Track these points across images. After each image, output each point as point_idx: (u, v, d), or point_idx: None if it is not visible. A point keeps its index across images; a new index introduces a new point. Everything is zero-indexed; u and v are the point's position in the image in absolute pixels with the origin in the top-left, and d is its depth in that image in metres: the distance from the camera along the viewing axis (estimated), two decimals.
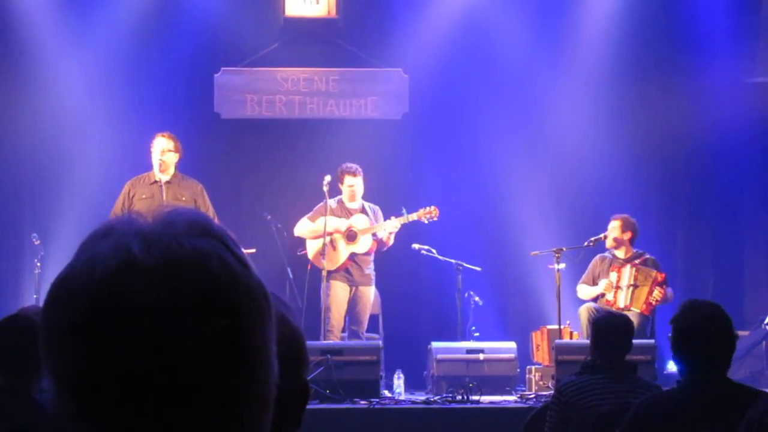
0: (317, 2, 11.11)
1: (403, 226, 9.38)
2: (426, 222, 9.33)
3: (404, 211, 9.22)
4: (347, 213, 9.31)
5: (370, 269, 9.34)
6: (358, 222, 9.23)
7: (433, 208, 9.28)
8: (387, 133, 11.06)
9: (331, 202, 9.27)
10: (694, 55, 11.22)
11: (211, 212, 8.66)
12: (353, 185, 9.29)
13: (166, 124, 10.01)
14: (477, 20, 11.16)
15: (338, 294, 9.19)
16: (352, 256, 9.22)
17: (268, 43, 11.26)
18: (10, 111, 10.83)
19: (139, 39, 10.90)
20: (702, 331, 3.87)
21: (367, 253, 9.24)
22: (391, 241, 9.24)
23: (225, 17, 11.01)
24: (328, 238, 9.15)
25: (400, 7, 11.31)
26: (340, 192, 9.41)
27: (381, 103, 11.28)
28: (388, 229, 9.16)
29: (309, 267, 9.42)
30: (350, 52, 11.28)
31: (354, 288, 9.27)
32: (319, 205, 9.38)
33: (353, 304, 9.28)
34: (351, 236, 9.19)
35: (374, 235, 9.22)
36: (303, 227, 9.37)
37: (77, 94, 10.73)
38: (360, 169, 9.36)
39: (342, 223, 9.24)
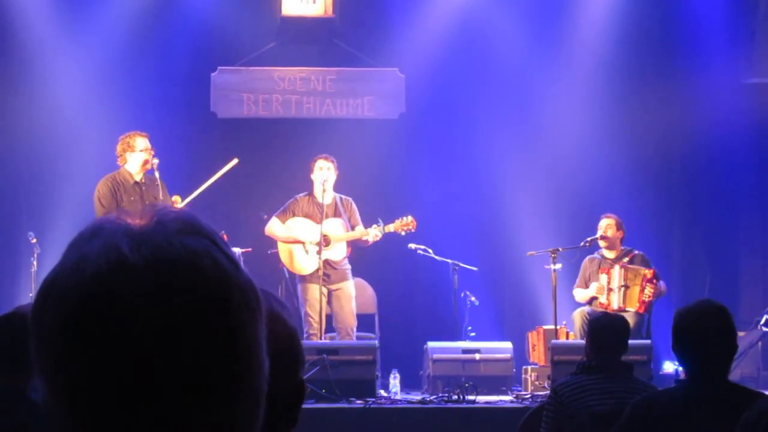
0: (314, 2, 11.11)
1: None
2: (403, 234, 9.14)
3: (380, 222, 9.08)
4: (319, 208, 9.11)
5: (344, 264, 9.16)
6: (333, 228, 9.11)
7: (410, 219, 9.06)
8: (383, 132, 11.06)
9: (302, 198, 9.19)
10: (691, 56, 11.23)
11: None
12: (329, 167, 9.04)
13: (162, 123, 10.02)
14: (474, 20, 11.16)
15: (315, 297, 9.01)
16: (327, 261, 9.11)
17: (264, 43, 11.26)
18: (6, 110, 10.82)
19: (136, 38, 10.89)
20: (703, 329, 3.86)
21: (343, 259, 9.11)
22: (371, 240, 9.11)
23: (222, 16, 11.01)
24: (310, 244, 9.07)
25: (396, 6, 11.31)
26: (311, 185, 9.23)
27: (378, 102, 11.28)
28: (369, 238, 9.02)
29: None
30: (347, 52, 11.28)
31: (331, 288, 9.11)
32: (289, 202, 9.25)
33: (334, 304, 9.14)
34: (325, 242, 9.06)
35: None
36: (274, 230, 9.22)
37: (74, 93, 10.72)
38: (333, 159, 9.15)
39: (315, 229, 9.04)
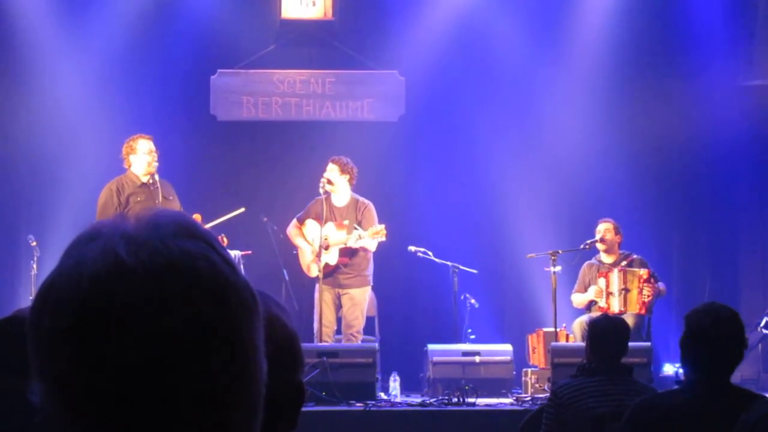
0: (313, 4, 11.11)
1: (399, 228, 9.35)
2: (376, 241, 8.92)
3: (359, 229, 9.00)
4: (329, 212, 9.10)
5: (361, 271, 9.11)
6: (329, 233, 9.04)
7: (381, 227, 8.86)
8: (383, 135, 11.06)
9: (317, 200, 9.14)
10: (691, 58, 11.23)
11: (180, 208, 8.57)
12: (332, 169, 9.05)
13: (162, 125, 10.01)
14: (473, 23, 11.16)
15: (324, 299, 9.01)
16: (340, 264, 9.05)
17: (264, 45, 11.26)
18: (6, 112, 10.83)
19: (136, 41, 10.89)
20: (716, 332, 3.86)
21: (339, 263, 9.05)
22: (370, 248, 8.99)
23: (221, 19, 11.01)
24: (315, 245, 9.06)
25: (396, 9, 11.31)
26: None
27: (377, 105, 11.28)
28: (351, 244, 8.93)
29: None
30: (346, 54, 11.28)
31: (341, 291, 9.10)
32: (309, 205, 9.28)
33: (341, 307, 9.12)
34: (325, 246, 9.03)
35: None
36: (288, 231, 9.31)
37: (74, 96, 10.72)
38: (344, 163, 9.08)
39: (318, 232, 9.01)
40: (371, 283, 9.24)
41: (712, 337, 3.86)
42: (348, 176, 9.09)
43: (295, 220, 9.30)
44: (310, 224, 9.18)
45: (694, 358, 3.93)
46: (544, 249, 9.64)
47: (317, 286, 9.10)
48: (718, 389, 3.88)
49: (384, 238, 8.85)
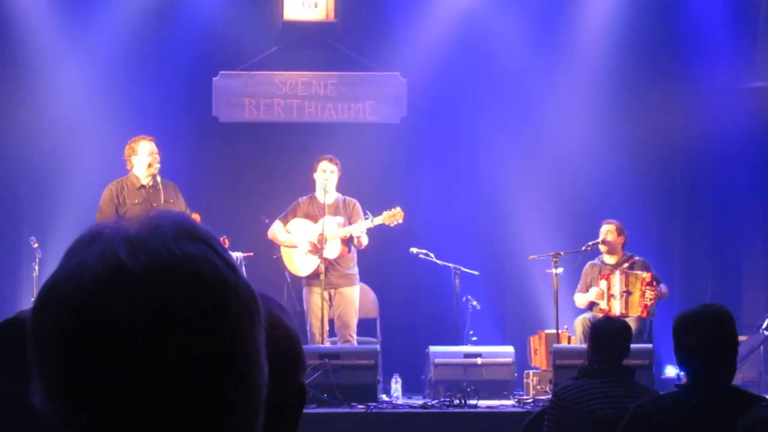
0: (316, 6, 11.12)
1: (401, 230, 9.35)
2: (392, 225, 8.95)
3: (369, 214, 9.01)
4: (320, 211, 9.08)
5: (350, 269, 9.10)
6: (328, 227, 9.05)
7: (397, 210, 8.91)
8: (385, 137, 11.06)
9: (303, 200, 9.17)
10: (693, 60, 11.23)
11: (185, 209, 8.58)
12: (333, 171, 9.03)
13: (164, 127, 10.01)
14: (475, 24, 11.16)
15: (315, 300, 8.96)
16: (328, 263, 9.03)
17: (266, 47, 11.26)
18: (8, 114, 10.83)
19: (138, 43, 10.90)
20: (701, 334, 3.85)
21: (339, 258, 9.06)
22: (365, 242, 8.97)
23: (224, 21, 11.01)
24: (306, 244, 9.05)
25: (398, 11, 11.31)
26: (313, 185, 9.20)
27: (379, 106, 11.27)
28: (355, 232, 8.93)
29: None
30: (348, 56, 11.28)
31: (333, 291, 9.06)
32: (291, 205, 9.24)
33: (334, 308, 9.08)
34: (321, 241, 9.01)
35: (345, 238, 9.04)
36: (274, 233, 9.21)
37: (76, 98, 10.73)
38: (338, 162, 9.09)
39: (313, 228, 9.02)
40: (359, 282, 9.22)
41: (696, 341, 3.85)
42: (339, 175, 9.13)
43: (278, 221, 9.23)
44: (298, 223, 9.13)
45: (684, 363, 3.94)
46: (546, 251, 9.64)
47: (306, 288, 9.09)
48: (717, 391, 3.87)
49: (401, 220, 8.87)
